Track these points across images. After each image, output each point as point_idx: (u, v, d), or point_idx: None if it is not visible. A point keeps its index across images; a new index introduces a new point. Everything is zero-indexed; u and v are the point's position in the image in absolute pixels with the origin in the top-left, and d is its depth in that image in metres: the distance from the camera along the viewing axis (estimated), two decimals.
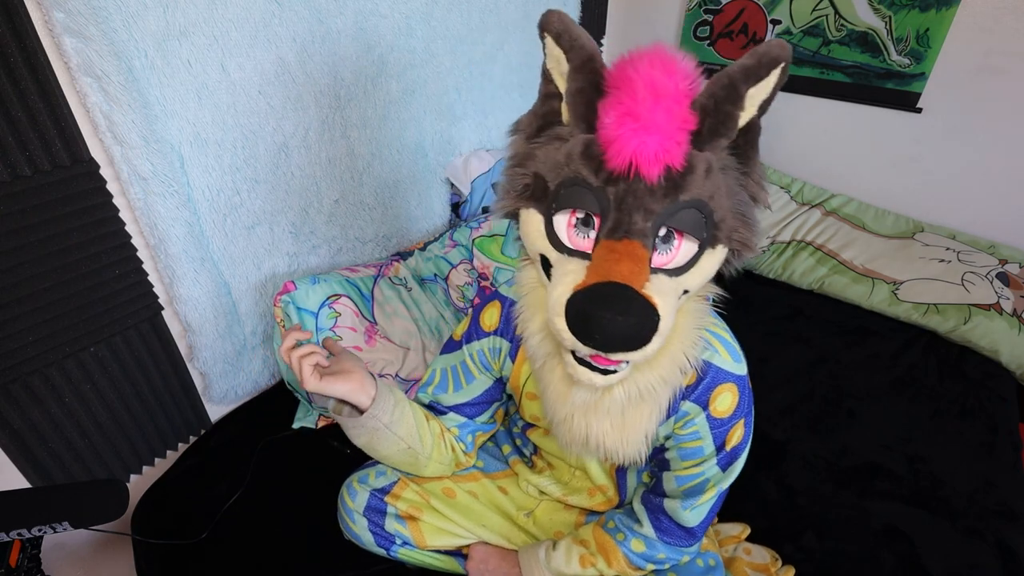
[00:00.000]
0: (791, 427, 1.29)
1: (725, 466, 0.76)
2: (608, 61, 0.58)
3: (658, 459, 0.80)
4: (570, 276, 0.58)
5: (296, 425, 1.25)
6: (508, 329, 0.82)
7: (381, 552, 0.91)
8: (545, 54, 0.62)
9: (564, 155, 0.59)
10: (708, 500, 0.77)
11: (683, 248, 0.59)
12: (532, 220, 0.63)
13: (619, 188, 0.56)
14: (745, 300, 1.73)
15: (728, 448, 0.75)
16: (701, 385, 0.71)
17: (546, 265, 0.64)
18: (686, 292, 0.62)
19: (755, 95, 0.56)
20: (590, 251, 0.59)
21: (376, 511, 0.89)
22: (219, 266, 1.16)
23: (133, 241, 1.04)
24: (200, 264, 1.11)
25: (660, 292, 0.56)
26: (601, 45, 2.17)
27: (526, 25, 1.70)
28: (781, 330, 1.62)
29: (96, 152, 0.95)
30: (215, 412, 1.33)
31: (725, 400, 0.72)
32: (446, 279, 1.47)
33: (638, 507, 0.83)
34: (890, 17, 1.67)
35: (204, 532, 1.01)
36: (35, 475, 1.04)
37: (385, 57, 1.31)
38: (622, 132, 0.53)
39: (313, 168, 1.26)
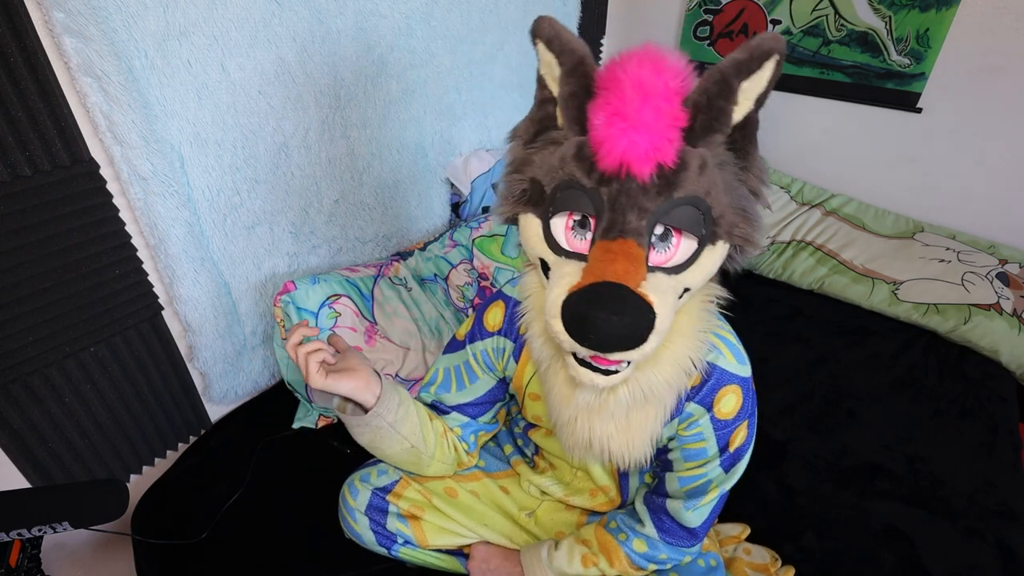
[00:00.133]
0: (791, 427, 1.29)
1: (728, 467, 0.76)
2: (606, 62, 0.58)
3: (661, 460, 0.80)
4: (566, 278, 0.58)
5: (296, 425, 1.25)
6: (512, 329, 0.82)
7: (382, 551, 0.91)
8: (539, 60, 0.62)
9: (558, 158, 0.59)
10: (710, 501, 0.77)
11: (682, 246, 0.58)
12: (530, 225, 0.64)
13: (612, 188, 0.56)
14: (745, 300, 1.72)
15: (731, 449, 0.75)
16: (706, 387, 0.71)
17: (546, 269, 0.64)
18: (687, 290, 0.61)
19: (749, 89, 0.56)
20: (587, 253, 0.59)
21: (378, 510, 0.89)
22: (219, 266, 1.16)
23: (133, 241, 1.04)
24: (200, 264, 1.11)
25: (657, 290, 0.56)
26: (601, 45, 2.17)
27: (526, 25, 1.68)
28: (781, 330, 1.62)
29: (96, 152, 0.94)
30: (215, 412, 1.33)
31: (729, 402, 0.72)
32: (446, 279, 1.47)
33: (640, 507, 0.83)
34: (890, 17, 1.67)
35: (204, 532, 1.01)
36: (35, 475, 1.04)
37: (385, 57, 1.31)
38: (612, 132, 0.54)
39: (313, 168, 1.26)
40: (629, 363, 0.61)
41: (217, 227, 1.13)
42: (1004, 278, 1.60)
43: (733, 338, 0.75)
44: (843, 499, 1.12)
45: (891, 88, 1.74)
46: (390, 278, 1.37)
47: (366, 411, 0.78)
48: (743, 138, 0.59)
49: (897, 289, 1.65)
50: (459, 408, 0.89)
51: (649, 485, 0.86)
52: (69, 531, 0.81)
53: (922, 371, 1.46)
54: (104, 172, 0.96)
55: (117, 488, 0.82)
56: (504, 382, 0.88)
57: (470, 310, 1.42)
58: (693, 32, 2.02)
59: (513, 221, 0.67)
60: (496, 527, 0.94)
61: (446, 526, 0.91)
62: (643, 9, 2.13)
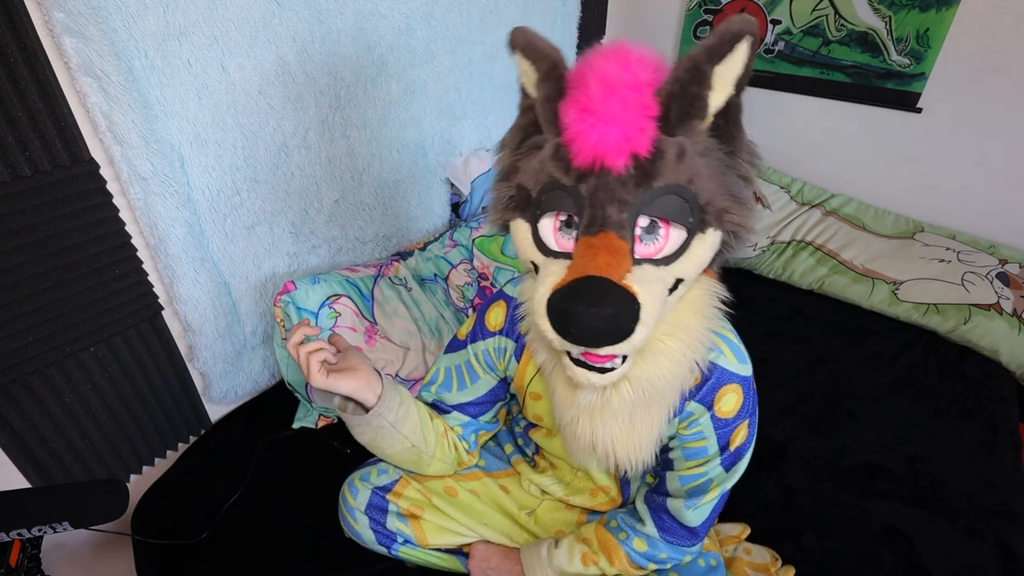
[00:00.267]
0: (791, 427, 1.29)
1: (729, 466, 0.76)
2: None
3: (662, 459, 0.80)
4: (551, 276, 0.58)
5: (296, 425, 1.25)
6: (513, 329, 0.82)
7: (382, 550, 0.91)
8: (518, 69, 0.64)
9: (538, 161, 0.60)
10: (711, 500, 0.78)
11: (671, 237, 0.58)
12: (520, 229, 0.64)
13: (590, 184, 0.56)
14: (745, 300, 1.72)
15: (732, 448, 0.75)
16: (706, 385, 0.71)
17: (538, 272, 0.64)
18: (681, 281, 0.61)
19: (725, 74, 0.56)
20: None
21: (378, 509, 0.89)
22: (219, 266, 1.16)
23: (133, 241, 1.04)
24: (200, 264, 1.11)
25: (643, 281, 0.56)
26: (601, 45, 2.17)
27: (526, 25, 1.70)
28: (781, 330, 1.62)
29: (96, 152, 0.94)
30: (215, 412, 1.33)
31: (730, 401, 0.72)
32: (446, 279, 1.47)
33: (641, 506, 0.83)
34: (890, 17, 1.67)
35: (204, 532, 1.01)
36: (35, 475, 1.04)
37: (385, 57, 1.31)
38: (582, 128, 0.54)
39: (313, 168, 1.26)
40: (625, 359, 0.61)
41: (217, 227, 1.13)
42: (1004, 278, 1.60)
43: (734, 337, 0.75)
44: (843, 499, 1.12)
45: (891, 88, 1.75)
46: (390, 278, 1.37)
47: (367, 410, 0.78)
48: (726, 123, 0.59)
49: (897, 289, 1.66)
50: (460, 407, 0.89)
51: (650, 484, 0.86)
52: (69, 531, 0.80)
53: (922, 371, 1.46)
54: (104, 172, 0.96)
55: (117, 488, 0.82)
56: (505, 382, 0.88)
57: (470, 310, 1.42)
58: (693, 32, 2.02)
59: (506, 228, 0.68)
60: (496, 526, 0.94)
61: (446, 525, 0.91)
62: (643, 9, 2.13)
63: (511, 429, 1.02)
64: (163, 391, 1.19)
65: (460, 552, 0.93)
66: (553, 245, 0.61)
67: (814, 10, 1.77)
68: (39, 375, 0.98)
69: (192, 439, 1.29)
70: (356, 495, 0.90)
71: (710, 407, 0.72)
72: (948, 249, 1.70)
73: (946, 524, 1.08)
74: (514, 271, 1.49)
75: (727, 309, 0.70)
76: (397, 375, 1.25)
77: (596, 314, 0.53)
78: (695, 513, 0.78)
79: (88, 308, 1.01)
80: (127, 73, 0.90)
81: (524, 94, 0.66)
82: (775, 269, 1.84)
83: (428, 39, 1.40)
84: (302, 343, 0.75)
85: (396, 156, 1.43)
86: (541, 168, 0.60)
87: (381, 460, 0.94)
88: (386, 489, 0.91)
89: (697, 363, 0.66)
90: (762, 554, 0.99)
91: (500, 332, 0.84)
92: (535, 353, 0.72)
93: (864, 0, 1.68)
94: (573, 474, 0.92)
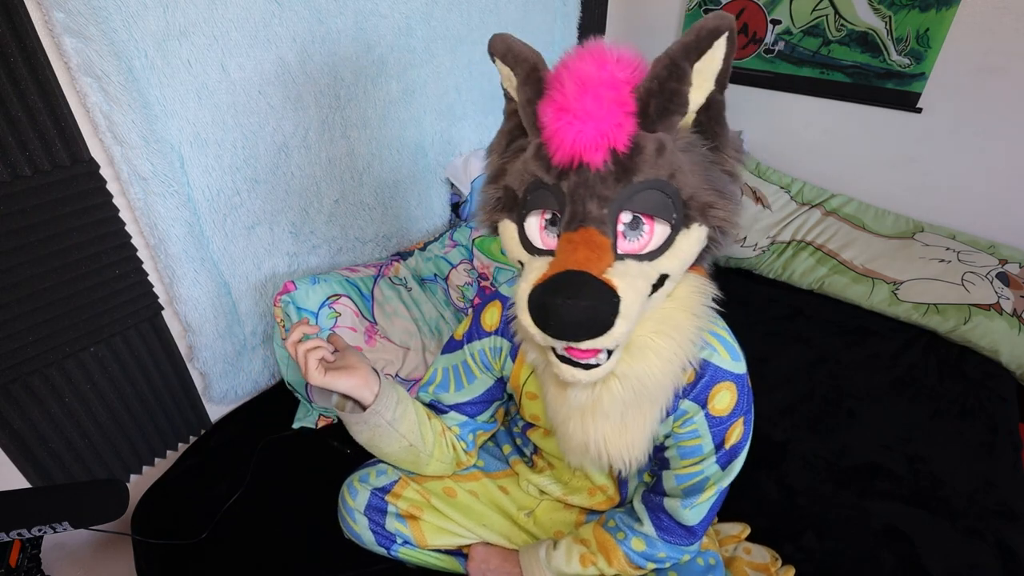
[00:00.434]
0: (791, 427, 1.29)
1: (724, 464, 0.76)
2: None
3: (658, 458, 0.80)
4: (534, 272, 0.58)
5: (296, 425, 1.25)
6: (509, 329, 0.82)
7: (381, 551, 0.91)
8: (500, 75, 0.66)
9: (522, 162, 0.62)
10: (708, 499, 0.77)
11: (656, 232, 0.59)
12: (508, 230, 0.65)
13: (571, 181, 0.57)
14: (745, 300, 1.73)
15: (727, 446, 0.75)
16: (700, 383, 0.71)
17: None
18: (666, 277, 0.61)
19: (704, 70, 0.57)
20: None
21: (377, 510, 0.89)
22: (219, 266, 1.16)
23: (133, 241, 1.04)
24: (200, 264, 1.11)
25: (624, 275, 0.56)
26: None
27: (525, 25, 1.71)
28: (781, 330, 1.62)
29: (96, 152, 0.94)
30: (215, 412, 1.33)
31: (724, 399, 0.72)
32: (446, 279, 1.47)
33: (638, 506, 0.83)
34: (890, 17, 1.67)
35: (204, 532, 1.01)
36: (35, 475, 1.04)
37: (385, 57, 1.31)
38: (560, 126, 0.56)
39: (313, 168, 1.26)
40: (610, 355, 0.61)
41: (217, 227, 1.13)
42: (1004, 278, 1.60)
43: (727, 335, 0.75)
44: (843, 499, 1.12)
45: (891, 88, 1.75)
46: (390, 278, 1.37)
47: (365, 409, 0.78)
48: (709, 120, 0.60)
49: (897, 289, 1.65)
50: (457, 407, 0.89)
51: (647, 484, 0.86)
52: (69, 531, 0.81)
53: (922, 371, 1.46)
54: (104, 172, 0.96)
55: (117, 488, 0.82)
56: (502, 381, 0.89)
57: (470, 310, 1.42)
58: None
59: (495, 230, 0.69)
60: (495, 527, 0.94)
61: (445, 526, 0.91)
62: (643, 9, 2.13)
63: (509, 429, 1.02)
64: (163, 391, 1.19)
65: (459, 553, 0.93)
66: (538, 243, 0.62)
67: (814, 10, 1.77)
68: (39, 375, 0.98)
69: (192, 439, 1.29)
70: (355, 496, 0.90)
71: (704, 405, 0.72)
72: (948, 249, 1.70)
73: (946, 524, 1.08)
74: (514, 271, 1.49)
75: (718, 308, 0.70)
76: (397, 375, 1.25)
77: (574, 306, 0.54)
78: (692, 512, 0.78)
79: (88, 308, 1.01)
80: (127, 73, 0.90)
81: (508, 98, 0.68)
82: (775, 269, 1.84)
83: (428, 39, 1.41)
84: (300, 341, 0.75)
85: (396, 156, 1.43)
86: (524, 168, 0.61)
87: (380, 461, 0.94)
88: (385, 490, 0.91)
89: (689, 361, 0.66)
90: (762, 554, 0.99)
91: (496, 332, 0.84)
92: (526, 352, 0.72)
93: (864, 0, 1.68)
94: (571, 474, 0.92)
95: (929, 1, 1.59)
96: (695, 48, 0.55)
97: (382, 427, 0.79)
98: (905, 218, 1.83)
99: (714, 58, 0.56)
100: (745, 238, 1.87)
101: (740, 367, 0.74)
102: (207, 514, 1.04)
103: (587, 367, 0.60)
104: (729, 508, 1.02)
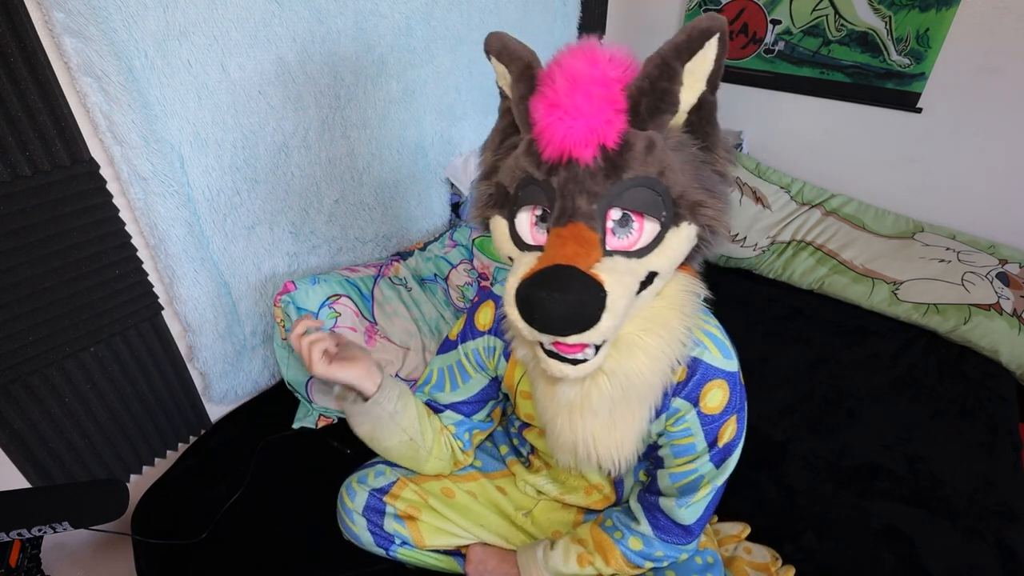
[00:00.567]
0: (791, 427, 1.29)
1: (718, 462, 0.76)
2: None
3: (653, 457, 0.80)
4: (522, 267, 0.59)
5: (296, 425, 1.25)
6: (502, 328, 0.82)
7: (380, 552, 0.91)
8: (495, 73, 0.66)
9: (513, 158, 0.62)
10: (703, 497, 0.77)
11: (645, 230, 0.59)
12: (499, 226, 0.66)
13: (560, 176, 0.58)
14: (745, 300, 1.73)
15: (720, 444, 0.74)
16: (691, 382, 0.71)
17: None
18: (655, 274, 0.61)
19: (696, 70, 0.57)
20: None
21: (375, 511, 0.89)
22: (219, 266, 1.16)
23: (133, 241, 1.04)
24: (200, 264, 1.11)
25: (612, 271, 0.56)
26: None
27: (525, 25, 1.71)
28: (781, 330, 1.62)
29: (96, 152, 0.95)
30: (215, 412, 1.33)
31: (715, 396, 0.72)
32: (446, 279, 1.47)
33: (635, 505, 0.83)
34: (890, 17, 1.67)
35: (204, 532, 1.01)
36: (35, 475, 1.04)
37: (385, 57, 1.31)
38: (550, 122, 0.56)
39: (313, 168, 1.26)
40: (598, 350, 0.60)
41: (217, 227, 1.13)
42: (1004, 278, 1.60)
43: (719, 332, 0.75)
44: (843, 499, 1.12)
45: (891, 88, 1.75)
46: (390, 278, 1.37)
47: (367, 401, 0.79)
48: (700, 120, 0.60)
49: (897, 289, 1.65)
50: (453, 406, 0.90)
51: (644, 483, 0.86)
52: (69, 531, 0.81)
53: (922, 371, 1.46)
54: (104, 172, 0.96)
55: (117, 488, 0.82)
56: (496, 381, 0.89)
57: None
58: None
59: (488, 226, 0.69)
60: (492, 527, 0.94)
61: (443, 527, 0.91)
62: (643, 9, 2.13)
63: (506, 429, 1.02)
64: (163, 391, 1.19)
65: (458, 553, 0.93)
66: (529, 239, 0.62)
67: (814, 10, 1.77)
68: (39, 375, 0.98)
69: (192, 439, 1.29)
70: (353, 497, 0.90)
71: (696, 403, 0.72)
72: (948, 249, 1.70)
73: (946, 524, 1.08)
74: None
75: (708, 306, 0.70)
76: (397, 375, 1.25)
77: (559, 299, 0.54)
78: (688, 511, 0.78)
79: (88, 308, 1.01)
80: (127, 73, 0.90)
81: (503, 96, 0.68)
82: (775, 269, 1.84)
83: (428, 39, 1.41)
84: (304, 334, 0.75)
85: (396, 156, 1.43)
86: (516, 164, 0.61)
87: (379, 462, 0.94)
88: (383, 491, 0.91)
89: (678, 360, 0.66)
90: (762, 553, 0.99)
91: (489, 331, 0.84)
92: (516, 350, 0.72)
93: (864, 0, 1.69)
94: (567, 473, 0.92)
95: (929, 1, 1.59)
96: (686, 48, 0.55)
97: (383, 419, 0.80)
98: (905, 218, 1.83)
99: (705, 59, 0.56)
100: (745, 238, 1.87)
101: (732, 365, 0.73)
102: (207, 514, 1.04)
103: (575, 362, 0.60)
104: (729, 508, 1.02)
